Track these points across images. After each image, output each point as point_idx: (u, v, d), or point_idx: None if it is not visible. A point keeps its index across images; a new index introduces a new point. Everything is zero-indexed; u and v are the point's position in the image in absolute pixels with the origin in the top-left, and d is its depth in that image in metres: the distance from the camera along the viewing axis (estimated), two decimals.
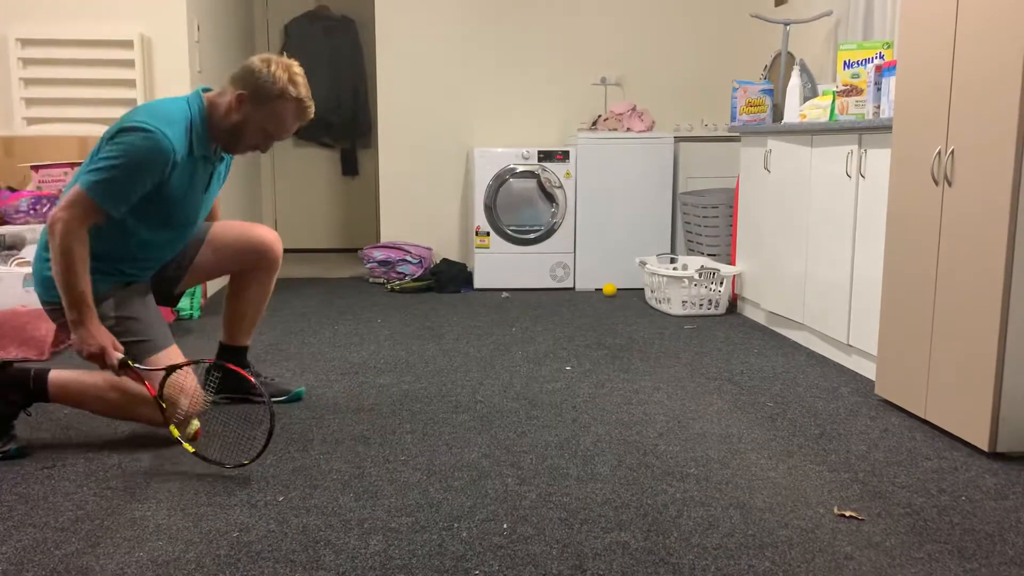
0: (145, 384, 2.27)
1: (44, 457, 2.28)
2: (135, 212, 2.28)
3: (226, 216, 5.18)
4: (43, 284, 2.35)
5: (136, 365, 2.26)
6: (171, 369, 2.26)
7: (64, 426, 2.53)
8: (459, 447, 2.38)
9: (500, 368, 3.24)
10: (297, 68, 2.36)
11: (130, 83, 4.29)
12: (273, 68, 2.31)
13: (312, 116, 2.40)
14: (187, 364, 2.30)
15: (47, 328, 3.31)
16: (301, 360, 3.34)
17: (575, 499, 2.03)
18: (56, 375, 2.33)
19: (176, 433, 2.26)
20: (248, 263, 2.62)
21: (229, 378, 2.67)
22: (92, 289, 2.23)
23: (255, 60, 2.34)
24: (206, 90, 2.39)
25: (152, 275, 2.51)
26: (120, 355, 2.23)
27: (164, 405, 2.27)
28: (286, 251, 6.74)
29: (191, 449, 2.23)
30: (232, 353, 2.74)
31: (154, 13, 4.30)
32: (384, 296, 4.82)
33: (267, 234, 2.63)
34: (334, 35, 6.45)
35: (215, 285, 4.84)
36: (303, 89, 2.34)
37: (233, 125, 2.34)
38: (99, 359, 2.22)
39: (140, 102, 4.28)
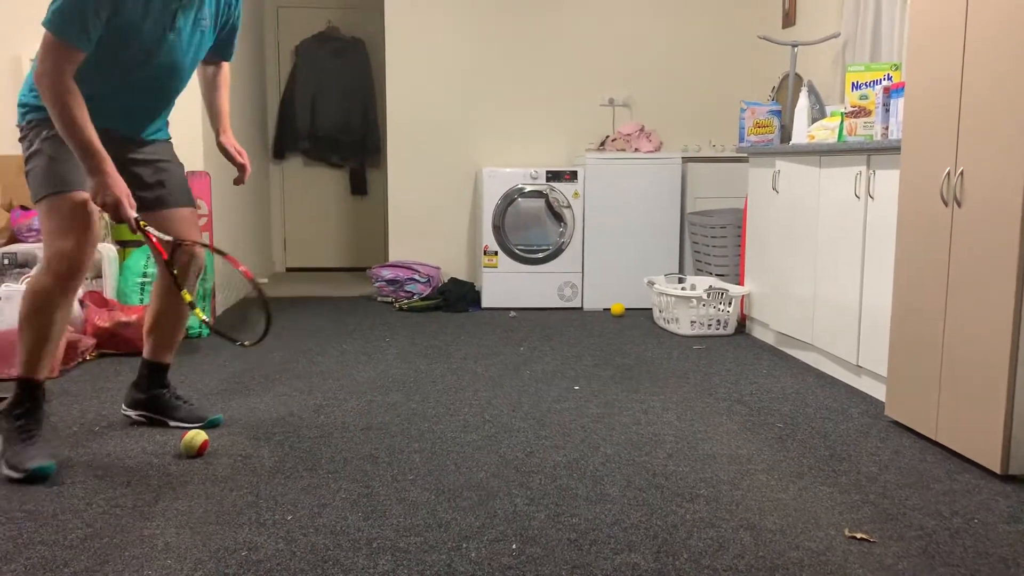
0: (156, 245, 2.34)
1: (54, 475, 2.28)
2: (97, 50, 2.20)
3: (234, 229, 5.21)
4: (19, 106, 2.37)
5: (150, 229, 2.31)
6: (179, 243, 2.41)
7: (73, 444, 2.54)
8: (468, 466, 2.38)
9: (508, 387, 3.23)
10: None
11: None
12: None
13: None
14: (194, 244, 2.48)
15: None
16: (309, 379, 3.34)
17: (584, 520, 2.02)
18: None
19: (188, 297, 2.39)
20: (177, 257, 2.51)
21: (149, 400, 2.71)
22: (37, 110, 2.26)
23: None
24: None
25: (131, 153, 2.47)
26: (135, 213, 2.25)
27: (175, 272, 2.39)
28: (294, 270, 6.76)
29: (202, 316, 2.35)
30: (154, 370, 2.69)
31: None
32: (392, 315, 4.83)
33: (198, 248, 2.55)
34: (344, 56, 6.51)
35: (223, 303, 4.85)
36: None
37: None
38: (113, 211, 2.21)
39: None
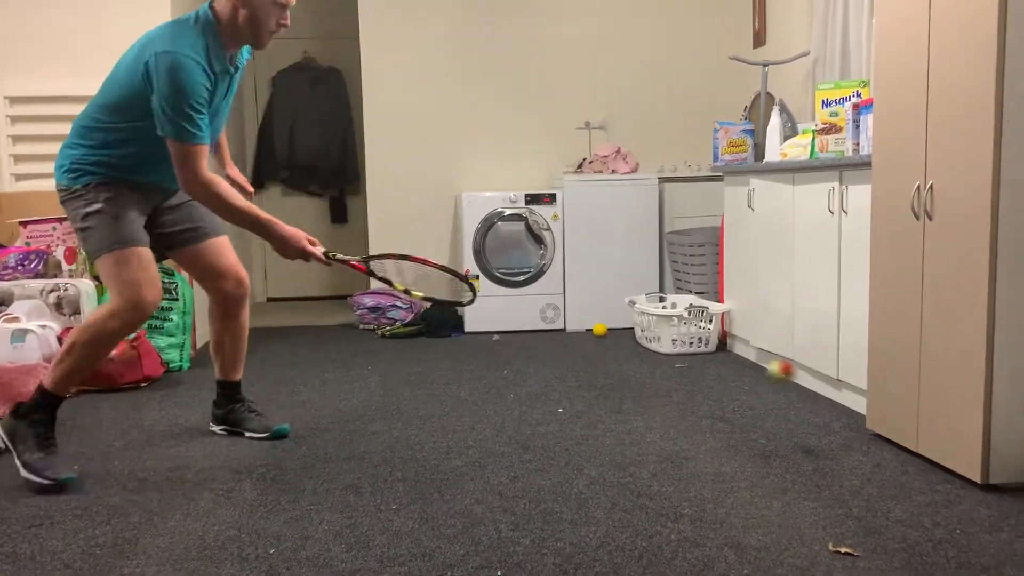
0: (354, 266, 2.57)
1: (31, 515, 2.25)
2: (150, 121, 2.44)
3: None
4: (61, 170, 2.56)
5: (339, 255, 2.54)
6: (370, 257, 2.62)
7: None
8: (451, 493, 2.37)
9: (492, 412, 3.23)
10: None
11: None
12: None
13: None
14: (384, 257, 2.70)
15: (36, 384, 3.28)
16: (291, 409, 3.32)
17: (569, 544, 2.02)
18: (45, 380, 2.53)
19: (401, 287, 2.61)
20: (212, 286, 2.82)
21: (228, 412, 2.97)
22: (92, 174, 2.50)
23: None
24: (209, 4, 2.53)
25: (160, 221, 2.71)
26: (321, 248, 2.52)
27: (381, 276, 2.64)
28: (275, 300, 6.73)
29: (418, 294, 2.59)
30: (226, 388, 2.96)
31: None
32: (374, 342, 4.82)
33: (239, 270, 2.83)
34: (321, 85, 6.53)
35: (203, 337, 4.82)
36: None
37: (247, 18, 2.47)
38: (303, 255, 2.50)
39: None
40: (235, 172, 2.95)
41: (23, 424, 2.47)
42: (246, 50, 2.67)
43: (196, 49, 2.40)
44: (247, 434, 2.91)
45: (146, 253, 2.54)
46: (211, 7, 2.49)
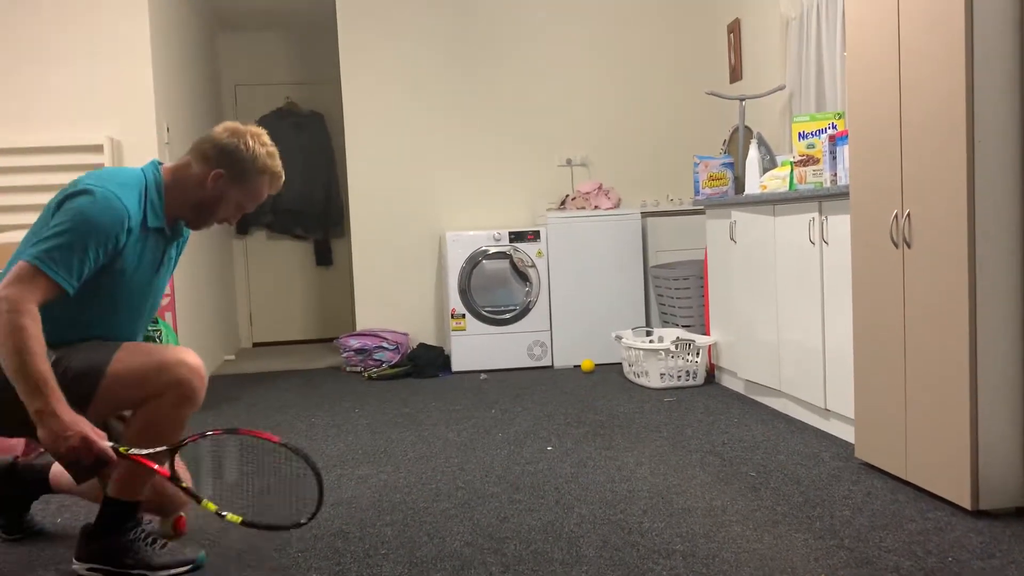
0: (154, 468, 1.97)
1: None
2: (80, 292, 1.99)
3: (198, 307, 5.16)
4: None
5: (133, 450, 1.95)
6: (177, 447, 2.01)
7: (47, 538, 2.45)
8: (440, 536, 2.34)
9: (480, 451, 3.21)
10: (266, 138, 2.24)
11: None
12: (250, 143, 2.17)
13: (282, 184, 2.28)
14: (193, 439, 2.03)
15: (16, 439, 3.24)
16: None
17: None
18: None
19: (212, 507, 1.98)
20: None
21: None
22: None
23: (223, 135, 2.18)
24: (159, 163, 2.22)
25: None
26: (107, 442, 1.91)
27: (184, 485, 2.02)
28: (261, 344, 6.70)
29: (237, 520, 1.98)
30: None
31: (123, 116, 4.36)
32: (361, 384, 4.79)
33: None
34: (304, 130, 6.57)
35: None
36: (279, 162, 2.24)
37: (203, 200, 2.17)
38: (82, 452, 1.86)
39: None
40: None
41: (110, 541, 2.12)
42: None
43: (128, 188, 2.07)
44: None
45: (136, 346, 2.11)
46: (160, 168, 2.19)
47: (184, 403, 2.05)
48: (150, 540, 2.16)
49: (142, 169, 2.17)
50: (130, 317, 2.19)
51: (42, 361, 1.87)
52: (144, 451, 1.97)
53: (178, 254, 2.35)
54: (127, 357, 2.04)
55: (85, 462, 1.88)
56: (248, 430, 2.08)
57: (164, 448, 1.99)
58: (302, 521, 1.99)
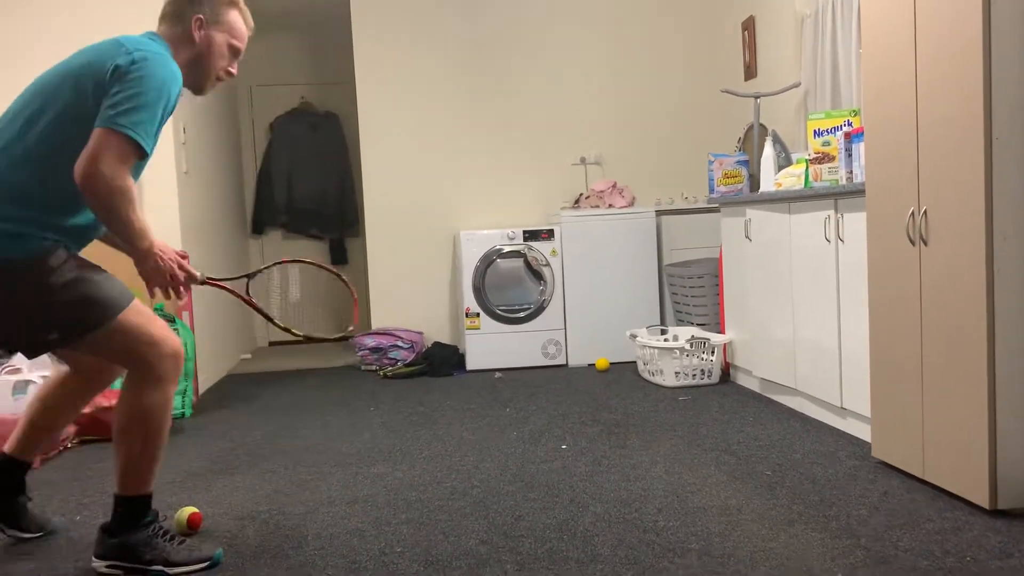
0: (232, 292, 2.36)
1: (35, 570, 2.22)
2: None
3: (215, 306, 5.20)
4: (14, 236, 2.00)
5: (212, 278, 2.28)
6: (253, 274, 2.40)
7: (55, 533, 2.48)
8: (456, 535, 2.35)
9: (495, 450, 3.21)
10: None
11: None
12: None
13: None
14: (265, 267, 2.54)
15: None
16: (294, 454, 3.30)
17: None
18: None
19: (281, 326, 2.41)
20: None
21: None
22: (27, 246, 1.99)
23: None
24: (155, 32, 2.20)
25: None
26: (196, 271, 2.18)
27: (259, 306, 2.40)
28: (277, 344, 6.73)
29: (299, 334, 2.42)
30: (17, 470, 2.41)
31: None
32: (376, 383, 4.81)
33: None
34: (319, 130, 6.60)
35: (205, 384, 4.82)
36: None
37: (198, 55, 2.16)
38: (177, 276, 2.11)
39: None
40: None
41: (127, 537, 2.14)
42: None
43: (170, 56, 2.10)
44: (21, 534, 2.42)
45: (138, 303, 2.15)
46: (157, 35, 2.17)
47: (163, 388, 2.14)
48: (168, 536, 2.18)
49: (149, 38, 2.14)
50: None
51: (137, 210, 2.01)
52: (220, 278, 2.33)
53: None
54: (132, 319, 2.09)
55: (178, 284, 2.13)
56: (305, 259, 2.55)
57: (242, 275, 2.31)
58: (346, 330, 2.58)
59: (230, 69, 2.26)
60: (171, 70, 2.05)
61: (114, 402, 3.59)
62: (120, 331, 2.07)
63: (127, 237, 2.02)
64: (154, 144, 2.02)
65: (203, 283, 2.23)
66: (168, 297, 2.16)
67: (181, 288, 2.15)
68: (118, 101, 1.95)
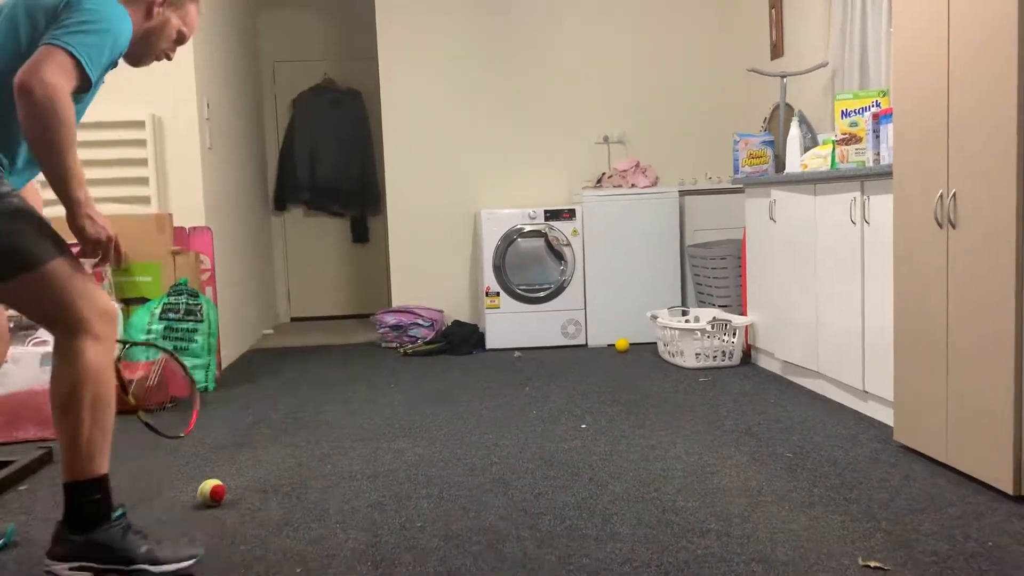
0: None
1: None
2: None
3: (237, 282, 5.23)
4: None
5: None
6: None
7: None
8: (476, 510, 2.36)
9: (515, 428, 3.23)
10: None
11: (142, 162, 4.38)
12: None
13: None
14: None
15: None
16: (316, 429, 3.33)
17: (595, 560, 2.01)
18: None
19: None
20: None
21: None
22: None
23: None
24: None
25: None
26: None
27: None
28: (299, 320, 6.78)
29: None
30: None
31: (165, 93, 4.41)
32: (397, 360, 4.83)
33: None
34: (341, 107, 6.60)
35: (227, 359, 4.86)
36: None
37: (148, 30, 2.09)
38: (109, 242, 1.91)
39: (152, 180, 4.37)
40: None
41: (96, 534, 1.94)
42: None
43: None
44: None
45: (71, 254, 1.97)
46: None
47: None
48: (142, 534, 2.00)
49: None
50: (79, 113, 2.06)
51: (75, 155, 1.85)
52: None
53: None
54: (67, 268, 1.91)
55: (111, 248, 1.92)
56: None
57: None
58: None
59: (170, 52, 2.19)
60: (125, 15, 1.97)
61: (139, 374, 3.64)
62: (53, 278, 1.88)
63: (59, 174, 1.83)
64: (98, 80, 1.92)
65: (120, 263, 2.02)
66: (102, 261, 1.95)
67: (112, 254, 1.93)
68: (67, 23, 1.87)
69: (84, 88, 1.89)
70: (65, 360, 1.90)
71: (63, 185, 1.85)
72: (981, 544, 2.02)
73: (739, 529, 2.16)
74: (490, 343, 5.07)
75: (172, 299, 4.01)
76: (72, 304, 1.90)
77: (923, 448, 2.66)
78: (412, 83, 5.49)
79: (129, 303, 4.12)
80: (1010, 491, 2.27)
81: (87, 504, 1.92)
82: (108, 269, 4.01)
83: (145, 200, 4.39)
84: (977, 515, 2.20)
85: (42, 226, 1.93)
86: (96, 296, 1.94)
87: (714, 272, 4.76)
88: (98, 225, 1.89)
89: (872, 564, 1.92)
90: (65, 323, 1.91)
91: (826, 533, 2.12)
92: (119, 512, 1.98)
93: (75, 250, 1.96)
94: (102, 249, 1.92)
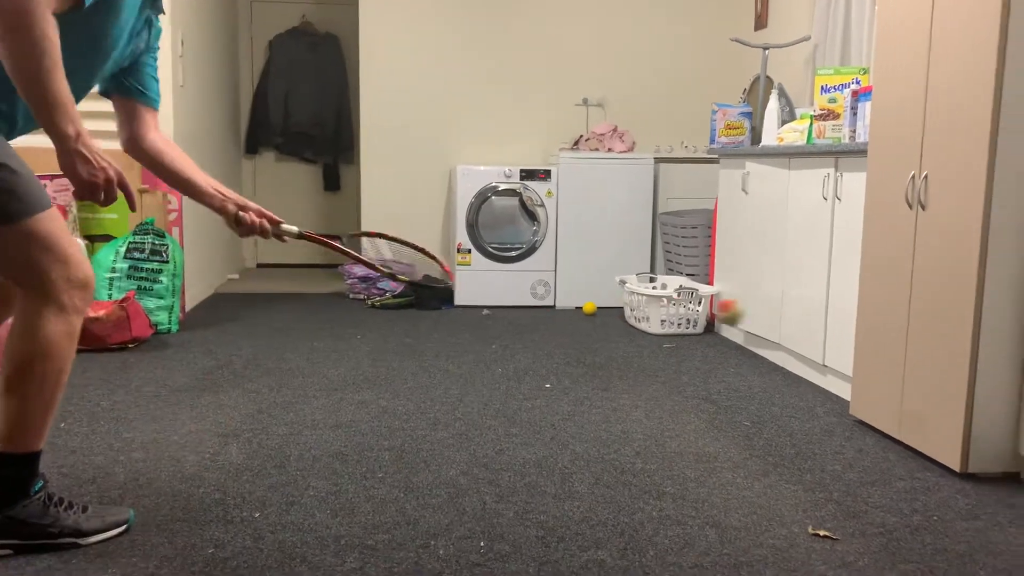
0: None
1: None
2: (70, 18, 1.69)
3: (204, 225, 5.16)
4: None
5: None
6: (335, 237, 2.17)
7: None
8: (437, 464, 2.38)
9: (480, 385, 3.24)
10: None
11: None
12: None
13: None
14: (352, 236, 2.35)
15: None
16: (279, 376, 3.32)
17: (552, 517, 2.04)
18: None
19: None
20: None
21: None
22: None
23: None
24: None
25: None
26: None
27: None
28: (266, 266, 6.72)
29: (404, 279, 2.27)
30: None
31: None
32: (364, 312, 4.82)
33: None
34: (318, 51, 6.47)
35: (192, 300, 4.81)
36: None
37: None
38: (113, 182, 1.70)
39: None
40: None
41: (15, 510, 1.79)
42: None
43: None
44: None
45: (57, 212, 1.81)
46: None
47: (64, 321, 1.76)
48: (65, 504, 1.86)
49: None
50: (89, 72, 1.88)
51: (62, 79, 1.61)
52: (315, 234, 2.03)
53: (157, 37, 2.09)
54: (48, 228, 1.74)
55: (113, 191, 1.72)
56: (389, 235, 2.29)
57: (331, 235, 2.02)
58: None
59: None
60: None
61: (102, 312, 3.60)
62: (30, 235, 1.71)
63: (38, 102, 1.61)
64: (115, 26, 1.75)
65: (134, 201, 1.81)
66: (100, 202, 1.73)
67: (114, 188, 1.72)
68: None
69: (77, 3, 1.66)
70: (25, 328, 1.74)
71: (44, 115, 1.62)
72: (927, 518, 2.08)
73: (694, 493, 2.21)
74: (459, 300, 5.08)
75: (138, 238, 3.95)
76: (44, 270, 1.73)
77: (877, 423, 2.73)
78: (392, 31, 5.39)
79: (94, 240, 4.04)
80: (957, 468, 2.34)
81: (6, 479, 1.78)
82: (72, 205, 3.93)
83: (113, 135, 4.27)
84: (925, 490, 2.26)
85: (27, 178, 1.74)
86: (74, 264, 1.76)
87: (684, 241, 4.78)
88: (93, 165, 1.67)
89: (821, 533, 1.98)
90: (31, 287, 1.75)
91: (778, 501, 2.17)
92: (38, 484, 1.82)
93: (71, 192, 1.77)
94: (103, 192, 1.70)
